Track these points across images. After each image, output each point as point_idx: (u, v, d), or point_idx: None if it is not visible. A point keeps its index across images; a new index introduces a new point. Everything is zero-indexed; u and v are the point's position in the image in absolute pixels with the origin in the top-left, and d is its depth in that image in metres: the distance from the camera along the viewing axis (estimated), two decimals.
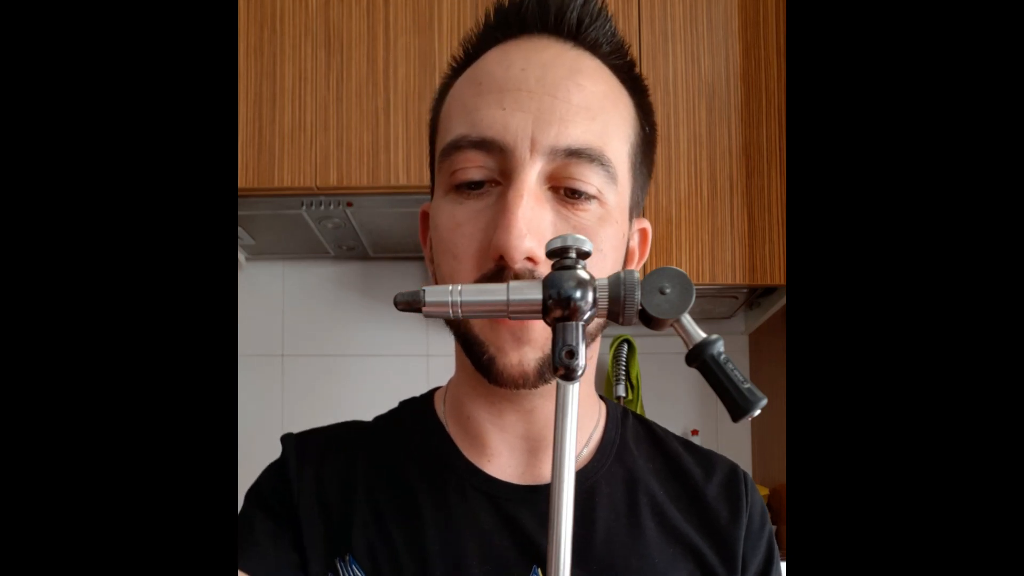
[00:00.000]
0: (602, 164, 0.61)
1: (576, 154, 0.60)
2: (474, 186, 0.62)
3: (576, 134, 0.61)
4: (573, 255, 0.52)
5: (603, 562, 0.64)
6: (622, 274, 0.52)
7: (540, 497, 0.66)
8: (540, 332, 0.61)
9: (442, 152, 0.64)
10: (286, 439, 0.72)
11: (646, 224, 0.71)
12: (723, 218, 1.90)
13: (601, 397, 0.75)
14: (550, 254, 0.53)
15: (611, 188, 0.63)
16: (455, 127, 0.63)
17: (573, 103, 0.61)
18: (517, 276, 0.59)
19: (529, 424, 0.68)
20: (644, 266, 1.88)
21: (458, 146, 0.62)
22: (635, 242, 0.70)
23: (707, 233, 1.90)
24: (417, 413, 0.73)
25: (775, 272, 1.88)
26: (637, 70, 0.69)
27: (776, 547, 0.71)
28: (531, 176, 0.60)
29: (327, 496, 0.68)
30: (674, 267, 0.52)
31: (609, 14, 0.66)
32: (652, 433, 0.74)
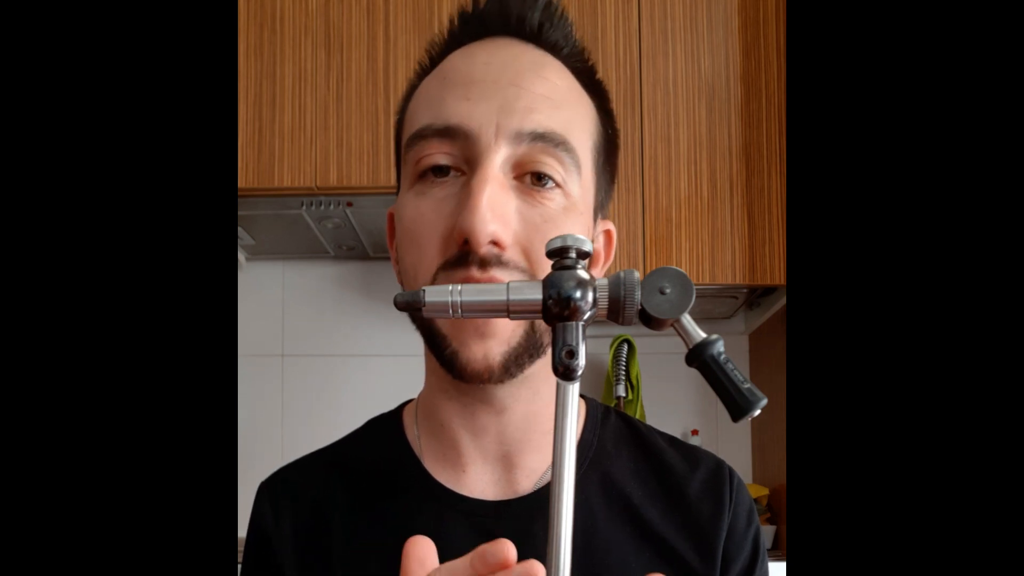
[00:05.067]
0: (566, 150, 0.62)
1: (540, 138, 0.61)
2: (439, 172, 0.62)
3: (540, 119, 0.61)
4: (573, 255, 0.52)
5: (579, 568, 0.64)
6: (622, 274, 0.52)
7: (514, 511, 0.66)
8: (504, 325, 0.61)
9: (407, 143, 0.64)
10: (259, 490, 0.73)
11: (611, 226, 0.71)
12: (723, 218, 1.90)
13: (583, 396, 0.74)
14: (550, 254, 0.53)
15: (575, 178, 0.63)
16: (420, 118, 0.64)
17: (537, 92, 0.62)
18: (483, 260, 0.59)
19: (502, 426, 0.67)
20: (643, 266, 1.89)
21: (422, 135, 0.62)
22: (600, 243, 0.70)
23: (707, 233, 1.90)
24: (385, 435, 0.73)
25: (775, 272, 1.88)
26: (598, 76, 0.69)
27: (763, 546, 0.69)
28: (496, 162, 0.60)
29: (306, 543, 0.68)
30: (674, 267, 0.52)
31: (570, 20, 0.67)
32: (635, 432, 0.73)
